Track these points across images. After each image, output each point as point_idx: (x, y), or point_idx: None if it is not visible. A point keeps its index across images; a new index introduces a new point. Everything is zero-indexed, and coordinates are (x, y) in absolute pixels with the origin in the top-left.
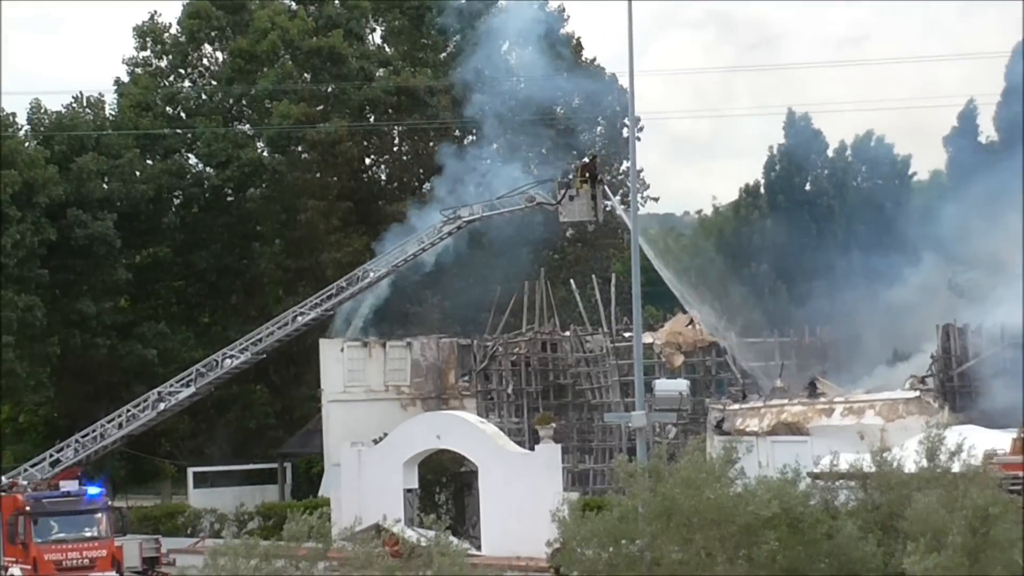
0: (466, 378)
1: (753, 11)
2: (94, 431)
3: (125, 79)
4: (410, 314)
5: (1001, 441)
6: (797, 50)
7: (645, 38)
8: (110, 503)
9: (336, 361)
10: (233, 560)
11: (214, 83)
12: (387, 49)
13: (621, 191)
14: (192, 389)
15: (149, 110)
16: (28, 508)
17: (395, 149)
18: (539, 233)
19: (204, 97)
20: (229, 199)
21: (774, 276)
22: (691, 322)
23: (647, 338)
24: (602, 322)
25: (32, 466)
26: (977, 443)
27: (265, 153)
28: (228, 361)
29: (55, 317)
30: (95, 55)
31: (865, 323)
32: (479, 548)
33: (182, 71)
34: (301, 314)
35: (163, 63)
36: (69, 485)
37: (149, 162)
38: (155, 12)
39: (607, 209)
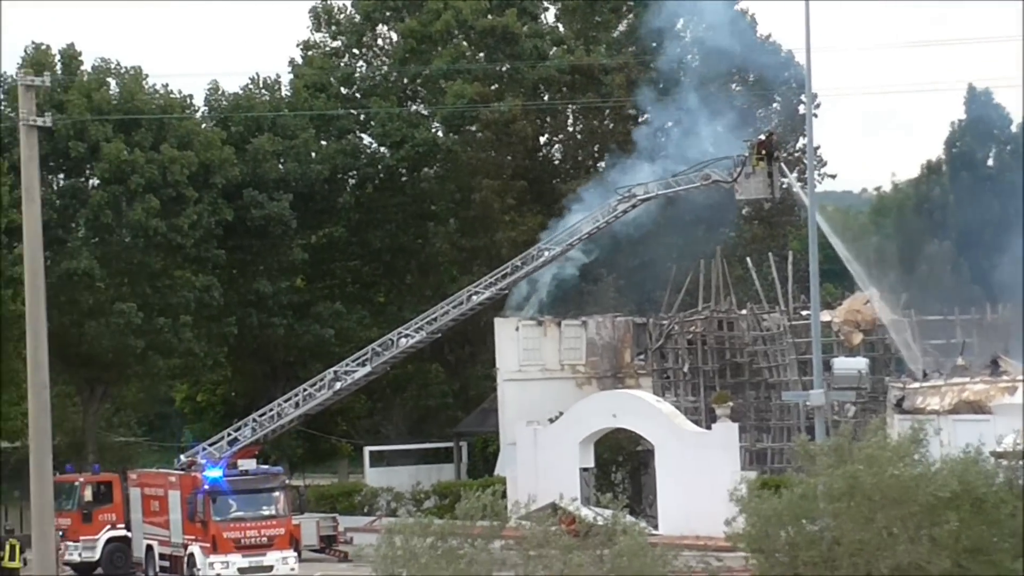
0: (642, 357)
1: None
2: (271, 410)
3: (300, 61)
4: (585, 293)
5: None
6: (977, 24)
7: (822, 12)
8: (287, 482)
9: (511, 340)
10: (408, 538)
11: (388, 63)
12: (561, 28)
13: (798, 168)
14: (368, 368)
15: (324, 91)
16: (207, 487)
17: (569, 128)
18: (715, 211)
19: (378, 77)
20: (404, 179)
21: (956, 253)
22: (869, 300)
23: (825, 316)
24: (779, 300)
25: (210, 445)
26: None
27: (440, 133)
28: (404, 340)
29: (232, 297)
30: (270, 38)
31: None
32: (656, 527)
33: (356, 52)
34: (476, 293)
35: (338, 44)
36: (247, 464)
37: (324, 143)
38: None
39: (783, 186)
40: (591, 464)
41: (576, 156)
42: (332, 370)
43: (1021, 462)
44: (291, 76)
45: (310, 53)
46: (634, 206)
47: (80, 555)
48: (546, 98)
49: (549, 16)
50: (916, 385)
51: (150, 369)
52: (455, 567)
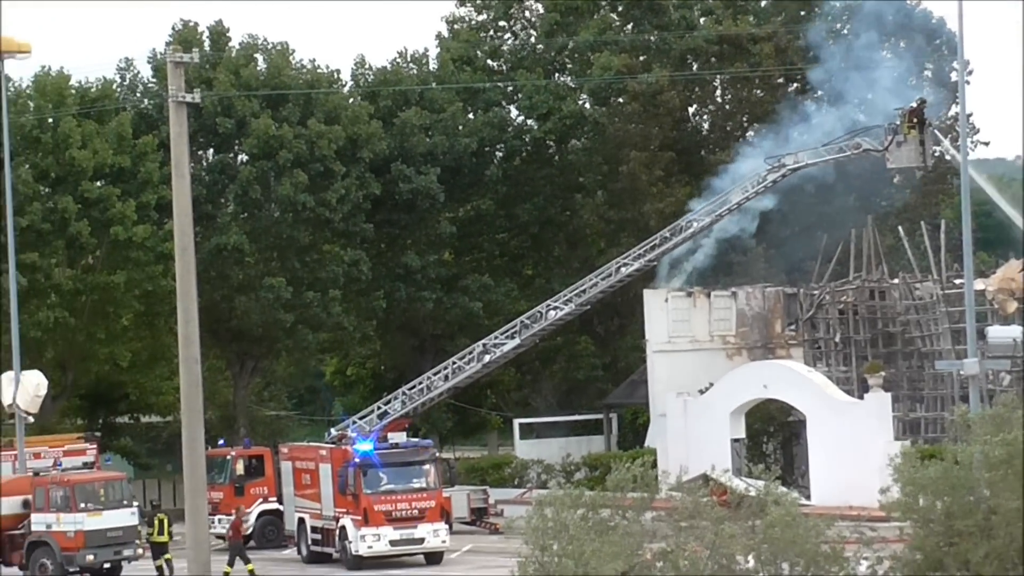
0: (792, 327)
1: None
2: (420, 383)
3: (446, 35)
4: (735, 263)
5: None
6: None
7: None
8: (438, 455)
9: (660, 311)
10: (559, 510)
11: (535, 35)
12: None
13: (950, 136)
14: (517, 341)
15: (471, 64)
16: (358, 460)
17: (718, 98)
18: (866, 180)
19: (525, 50)
20: (551, 151)
21: None
22: None
23: (979, 285)
24: (932, 269)
25: (360, 418)
26: None
27: (587, 105)
28: (552, 313)
29: (380, 271)
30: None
31: None
32: (808, 498)
33: (503, 24)
34: (624, 265)
35: (484, 17)
36: (397, 437)
37: (471, 116)
38: None
39: (935, 154)
40: (742, 435)
41: (724, 126)
42: (481, 343)
43: None
44: (438, 49)
45: (456, 26)
46: (784, 176)
47: None
48: (694, 68)
49: None
50: None
51: (300, 343)
52: (606, 539)
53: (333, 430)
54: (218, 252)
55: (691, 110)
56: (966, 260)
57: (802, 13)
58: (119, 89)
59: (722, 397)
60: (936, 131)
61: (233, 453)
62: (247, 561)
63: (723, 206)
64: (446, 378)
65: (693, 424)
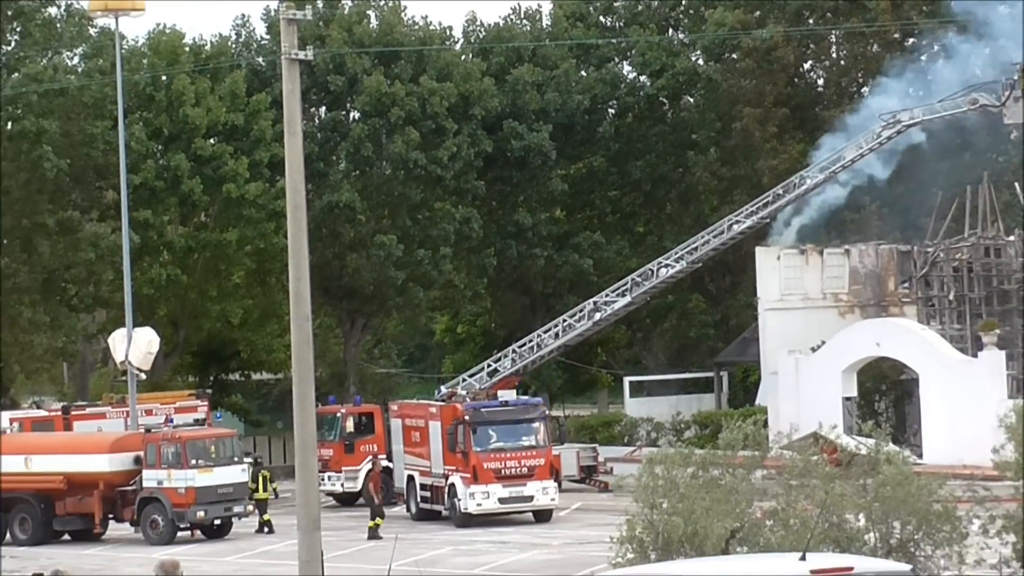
0: (906, 285)
1: None
2: (531, 341)
3: None
4: (848, 220)
5: None
6: None
7: None
8: (547, 412)
9: (772, 269)
10: (669, 468)
11: None
12: None
13: None
14: (628, 299)
15: (584, 20)
16: (467, 417)
17: (833, 54)
18: (982, 136)
19: (638, 6)
20: (664, 108)
21: None
22: None
23: None
24: None
25: (470, 376)
26: None
27: (700, 61)
28: (664, 270)
29: (491, 228)
30: None
31: None
32: (920, 456)
33: None
34: (737, 222)
35: None
36: (507, 394)
37: (584, 73)
38: None
39: None
40: (854, 393)
41: (839, 82)
42: (592, 301)
43: None
44: (551, 6)
45: None
46: (899, 132)
47: (342, 485)
48: (810, 23)
49: None
50: None
51: (410, 301)
52: (715, 497)
53: (443, 387)
54: (330, 210)
55: (806, 66)
56: None
57: None
58: (233, 46)
59: (834, 355)
60: None
61: (343, 410)
62: (378, 516)
63: (837, 163)
64: (556, 336)
65: (804, 382)
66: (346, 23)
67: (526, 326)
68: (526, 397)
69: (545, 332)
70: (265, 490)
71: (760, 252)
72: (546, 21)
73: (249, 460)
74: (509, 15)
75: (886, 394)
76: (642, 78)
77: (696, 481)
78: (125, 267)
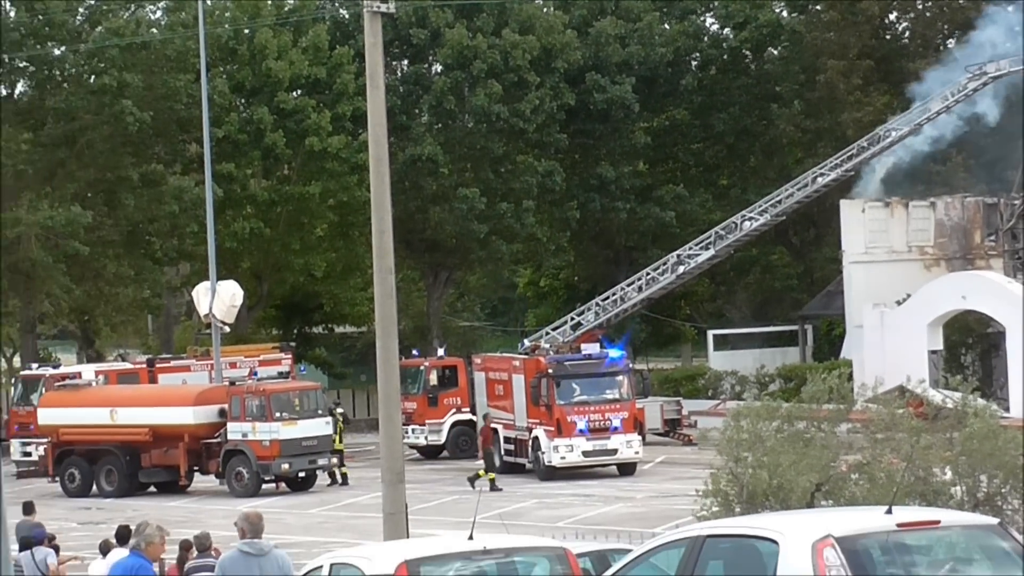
0: (992, 238)
1: None
2: (614, 294)
3: None
4: (933, 173)
5: None
6: None
7: None
8: (631, 366)
9: (857, 222)
10: (754, 422)
11: None
12: None
13: None
14: (711, 252)
15: None
16: (551, 371)
17: (919, 5)
18: None
19: None
20: (747, 60)
21: None
22: None
23: None
24: None
25: (554, 329)
26: None
27: (784, 13)
28: (747, 223)
29: (574, 181)
30: None
31: None
32: (1007, 410)
33: None
34: (821, 175)
35: None
36: (591, 348)
37: (667, 25)
38: None
39: None
40: (940, 346)
41: (925, 34)
42: (675, 254)
43: None
44: None
45: None
46: (984, 84)
47: (426, 438)
48: None
49: None
50: None
51: (493, 254)
52: (800, 451)
53: (526, 341)
54: (412, 163)
55: (891, 17)
56: None
57: None
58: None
59: (920, 308)
60: None
61: (427, 363)
62: (491, 469)
63: (922, 115)
64: (639, 289)
65: (890, 336)
66: None
67: (609, 279)
68: (609, 350)
69: (628, 285)
70: (340, 441)
71: (845, 205)
72: None
73: (341, 412)
74: None
75: (972, 347)
76: (725, 30)
77: (781, 435)
78: (208, 220)
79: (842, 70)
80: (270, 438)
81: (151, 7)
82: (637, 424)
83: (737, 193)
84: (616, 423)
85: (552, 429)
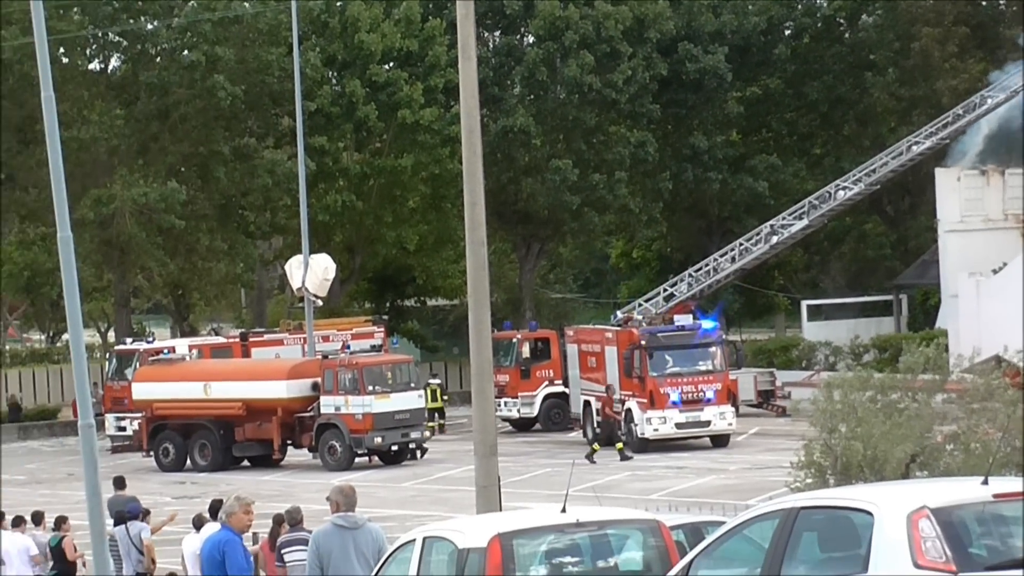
0: None
1: None
2: (707, 265)
3: None
4: None
5: None
6: None
7: None
8: (724, 337)
9: (952, 191)
10: (848, 392)
11: None
12: None
13: None
14: (805, 222)
15: None
16: (643, 342)
17: None
18: None
19: None
20: (841, 28)
21: None
22: None
23: None
24: None
25: (646, 301)
26: None
27: None
28: (841, 193)
29: (666, 152)
30: None
31: None
32: None
33: None
34: (916, 143)
35: None
36: (683, 319)
37: None
38: None
39: None
40: None
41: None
42: (768, 224)
43: None
44: None
45: None
46: None
47: (518, 411)
48: None
49: None
50: None
51: (586, 225)
52: (895, 421)
53: (619, 312)
54: (504, 134)
55: None
56: None
57: None
58: None
59: (1016, 277)
60: None
61: (519, 336)
62: (619, 442)
63: (1020, 82)
64: (733, 260)
65: (986, 305)
66: None
67: (702, 250)
68: (702, 322)
69: (721, 256)
70: (433, 400)
71: (940, 173)
72: None
73: (437, 382)
74: None
75: None
76: None
77: (875, 405)
78: (301, 194)
79: (937, 37)
80: (363, 411)
81: None
82: (730, 395)
83: (831, 162)
84: (709, 395)
85: (645, 401)
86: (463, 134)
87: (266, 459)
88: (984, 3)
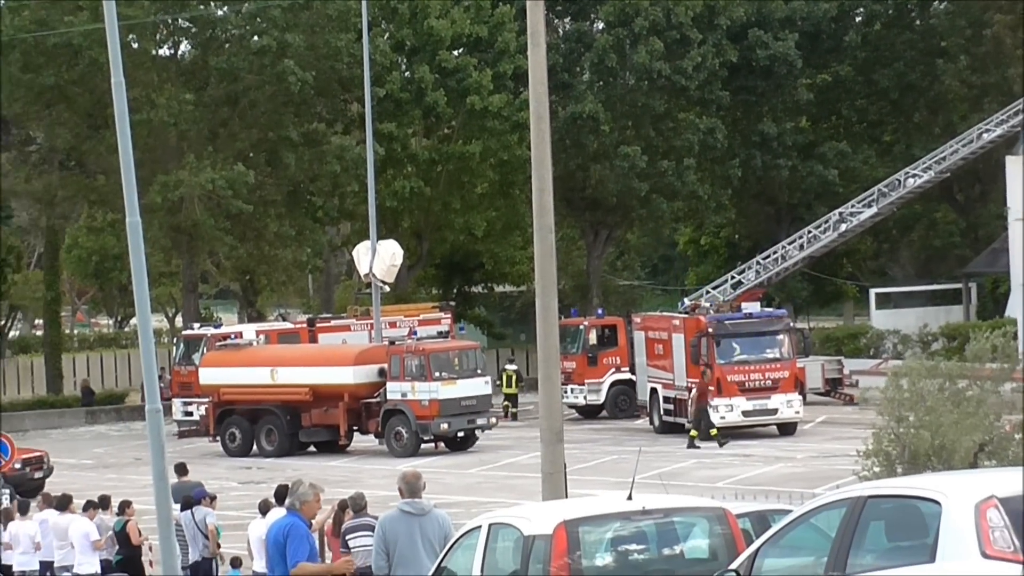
0: None
1: None
2: (775, 252)
3: None
4: None
5: None
6: None
7: None
8: (792, 324)
9: (1022, 179)
10: (916, 381)
11: None
12: None
13: None
14: (874, 209)
15: None
16: (711, 330)
17: None
18: None
19: None
20: (913, 15)
21: None
22: None
23: None
24: None
25: (714, 288)
26: None
27: None
28: (911, 180)
29: (736, 139)
30: None
31: None
32: None
33: None
34: (987, 131)
35: None
36: (751, 307)
37: None
38: None
39: None
40: None
41: None
42: (837, 211)
43: None
44: None
45: None
46: None
47: (585, 398)
48: None
49: None
50: None
51: (654, 212)
52: (963, 410)
53: (686, 299)
54: (573, 121)
55: None
56: None
57: None
58: None
59: None
60: None
61: (586, 323)
62: (709, 427)
63: None
64: (801, 247)
65: None
66: None
67: (771, 237)
68: (770, 309)
69: (790, 243)
70: (508, 386)
71: (1010, 161)
72: None
73: (514, 368)
74: None
75: None
76: None
77: (943, 394)
78: (369, 179)
79: (1010, 24)
80: (429, 398)
81: None
82: (798, 383)
83: (901, 149)
84: (777, 383)
85: (712, 388)
86: (532, 120)
87: (332, 445)
88: None
